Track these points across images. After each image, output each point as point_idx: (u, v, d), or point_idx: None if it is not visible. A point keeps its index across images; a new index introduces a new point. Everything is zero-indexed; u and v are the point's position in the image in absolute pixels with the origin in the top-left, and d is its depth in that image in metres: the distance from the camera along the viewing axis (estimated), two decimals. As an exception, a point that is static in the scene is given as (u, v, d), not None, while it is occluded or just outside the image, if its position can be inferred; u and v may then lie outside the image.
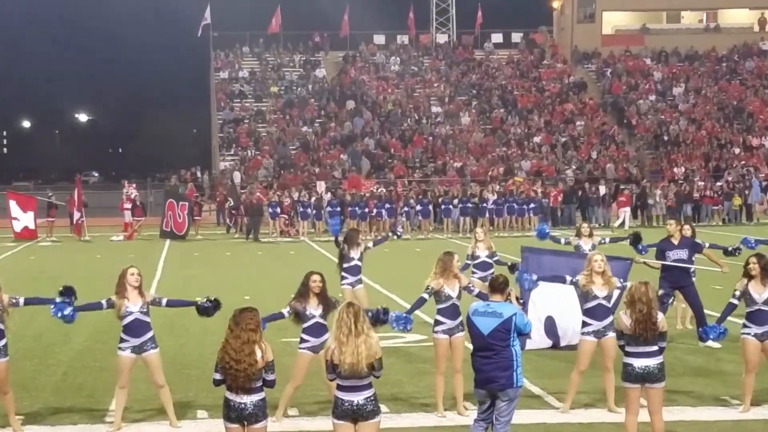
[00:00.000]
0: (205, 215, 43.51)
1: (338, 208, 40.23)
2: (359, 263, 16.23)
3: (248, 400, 8.32)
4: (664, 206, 43.43)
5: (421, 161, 52.39)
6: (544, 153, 53.39)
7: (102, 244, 36.60)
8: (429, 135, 54.58)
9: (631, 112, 57.69)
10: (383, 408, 11.41)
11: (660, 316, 9.71)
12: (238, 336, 8.30)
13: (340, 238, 16.61)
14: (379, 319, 10.15)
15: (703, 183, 46.44)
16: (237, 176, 48.83)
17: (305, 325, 11.17)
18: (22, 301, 11.17)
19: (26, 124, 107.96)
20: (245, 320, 8.35)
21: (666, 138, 55.19)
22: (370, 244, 16.91)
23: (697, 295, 15.58)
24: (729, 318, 11.93)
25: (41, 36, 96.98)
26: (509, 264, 16.39)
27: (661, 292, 11.55)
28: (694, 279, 15.91)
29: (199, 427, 11.14)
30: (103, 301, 11.04)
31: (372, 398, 8.30)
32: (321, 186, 45.38)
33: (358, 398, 8.25)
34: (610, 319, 11.34)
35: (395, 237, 18.24)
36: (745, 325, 11.67)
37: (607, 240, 17.56)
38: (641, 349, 9.64)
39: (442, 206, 40.69)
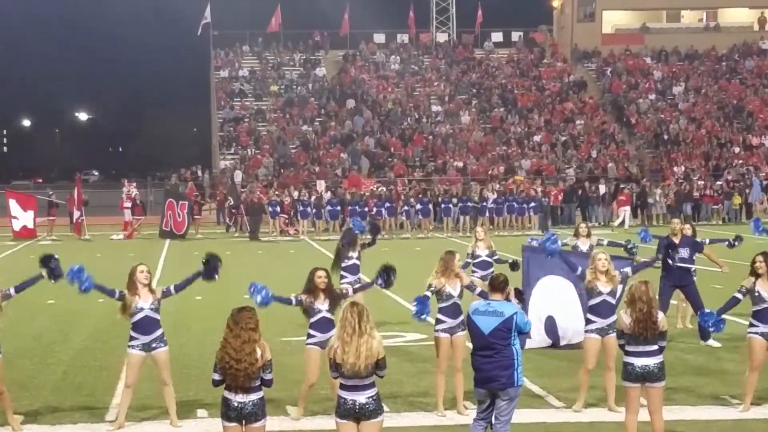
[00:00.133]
0: (205, 214, 43.54)
1: (338, 207, 40.25)
2: (357, 262, 16.24)
3: (247, 399, 8.32)
4: (664, 205, 43.45)
5: (421, 160, 52.38)
6: (544, 152, 53.39)
7: (102, 243, 36.60)
8: (429, 134, 54.58)
9: (631, 111, 57.70)
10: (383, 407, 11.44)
11: (660, 315, 9.71)
12: (237, 335, 8.30)
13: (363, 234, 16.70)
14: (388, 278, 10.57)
15: (703, 182, 46.45)
16: (238, 175, 48.84)
17: (312, 320, 11.19)
18: (13, 290, 11.16)
19: (26, 123, 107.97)
20: (244, 319, 8.35)
21: (666, 137, 55.20)
22: (367, 244, 16.88)
23: (698, 294, 15.60)
24: (732, 318, 11.93)
25: (41, 35, 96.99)
26: (510, 261, 16.41)
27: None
28: (695, 278, 15.92)
29: (199, 426, 11.14)
30: (117, 291, 11.04)
31: (375, 397, 8.30)
32: (321, 185, 45.38)
33: (360, 397, 8.25)
34: (613, 317, 11.35)
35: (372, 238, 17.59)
36: (751, 324, 11.63)
37: (605, 241, 17.54)
38: (641, 348, 9.64)
39: (442, 205, 40.70)
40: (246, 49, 63.17)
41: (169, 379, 11.09)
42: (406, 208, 40.54)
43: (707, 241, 16.90)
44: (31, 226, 38.90)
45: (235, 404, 8.32)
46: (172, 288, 11.20)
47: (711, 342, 15.40)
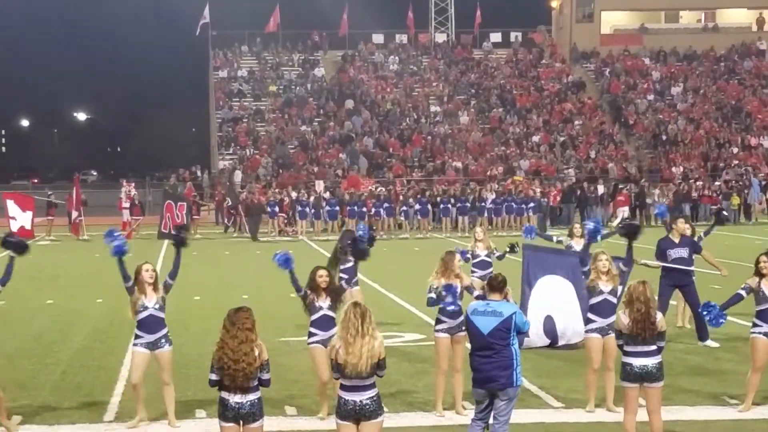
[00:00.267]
0: (203, 214, 43.53)
1: (337, 208, 40.26)
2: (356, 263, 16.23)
3: (245, 399, 8.32)
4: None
5: (420, 160, 52.39)
6: (543, 152, 53.41)
7: (100, 244, 36.21)
8: (428, 134, 54.59)
9: (629, 112, 57.72)
10: (382, 407, 11.45)
11: (659, 315, 9.71)
12: (234, 336, 8.30)
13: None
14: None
15: (701, 182, 46.47)
16: (238, 175, 48.84)
17: (313, 317, 11.18)
18: None
19: (25, 123, 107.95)
20: (241, 320, 8.36)
21: (664, 137, 55.22)
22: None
23: (696, 294, 15.60)
24: (733, 319, 11.92)
25: (40, 35, 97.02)
26: (508, 247, 16.57)
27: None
28: (693, 278, 15.93)
29: (198, 426, 11.14)
30: (131, 281, 11.03)
31: (375, 398, 8.31)
32: (320, 185, 45.38)
33: (361, 398, 8.25)
34: (614, 317, 11.36)
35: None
36: (755, 324, 11.61)
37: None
38: (640, 348, 9.64)
39: (441, 205, 40.70)
40: (245, 49, 63.18)
41: (170, 379, 11.09)
42: (404, 208, 40.54)
43: (702, 235, 16.90)
44: (28, 226, 38.82)
45: (233, 404, 8.32)
46: (168, 279, 11.22)
47: (709, 342, 15.41)
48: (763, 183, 47.31)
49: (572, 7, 66.03)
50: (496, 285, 9.62)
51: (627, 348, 9.72)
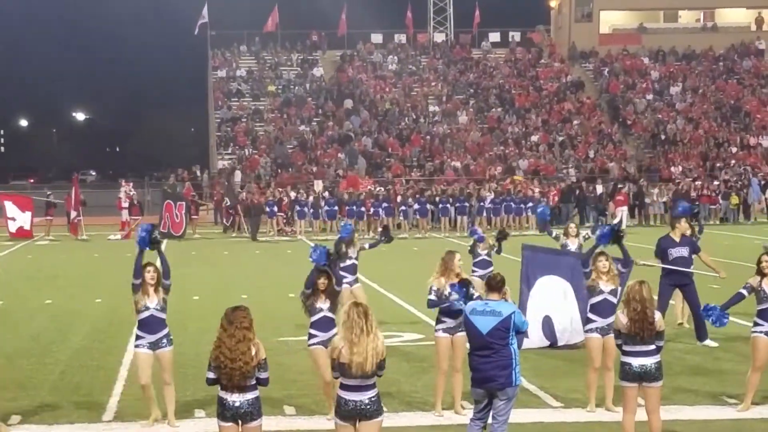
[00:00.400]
0: (202, 214, 43.53)
1: (335, 207, 40.26)
2: (356, 262, 16.27)
3: (243, 398, 8.32)
4: (661, 205, 43.49)
5: (419, 160, 52.40)
6: (542, 152, 53.42)
7: (99, 243, 36.58)
8: (426, 134, 54.59)
9: (628, 111, 57.74)
10: (380, 407, 11.44)
11: (657, 315, 9.72)
12: (232, 335, 8.30)
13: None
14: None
15: (700, 182, 46.48)
16: (238, 175, 48.86)
17: (313, 319, 11.18)
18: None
19: (24, 122, 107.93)
20: (238, 319, 8.35)
21: (663, 137, 55.24)
22: (366, 245, 16.91)
23: (696, 294, 15.61)
24: (732, 319, 11.91)
25: (39, 35, 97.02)
26: (497, 236, 16.81)
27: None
28: (693, 278, 15.94)
29: (196, 426, 11.15)
30: (141, 278, 11.01)
31: (376, 398, 8.30)
32: (318, 185, 45.39)
33: (363, 397, 8.24)
34: (614, 317, 11.36)
35: (383, 239, 17.47)
36: (756, 323, 11.60)
37: (590, 233, 17.65)
38: (638, 348, 9.64)
39: (440, 205, 40.71)
40: (243, 49, 63.17)
41: (171, 378, 11.11)
42: (403, 208, 40.54)
43: (698, 234, 16.90)
44: (27, 227, 38.87)
45: (231, 404, 8.32)
46: (163, 280, 11.18)
47: (708, 342, 15.42)
48: (762, 183, 47.32)
49: (571, 7, 66.03)
50: (494, 285, 9.62)
51: (626, 348, 9.73)
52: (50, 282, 24.62)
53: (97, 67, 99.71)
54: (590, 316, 11.63)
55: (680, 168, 51.60)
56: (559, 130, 55.66)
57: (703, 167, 52.13)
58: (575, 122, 56.28)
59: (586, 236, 17.26)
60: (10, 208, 38.90)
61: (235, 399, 8.30)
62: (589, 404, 11.60)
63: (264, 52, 62.76)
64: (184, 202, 38.72)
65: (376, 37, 63.93)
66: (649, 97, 59.24)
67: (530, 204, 40.99)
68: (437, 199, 41.17)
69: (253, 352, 8.29)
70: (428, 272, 11.85)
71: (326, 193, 42.55)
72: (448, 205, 40.56)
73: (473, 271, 16.63)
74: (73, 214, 38.43)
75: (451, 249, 11.99)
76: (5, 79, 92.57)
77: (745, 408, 11.52)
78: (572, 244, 16.83)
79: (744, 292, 11.65)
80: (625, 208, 42.34)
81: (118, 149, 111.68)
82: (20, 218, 38.86)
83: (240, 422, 8.35)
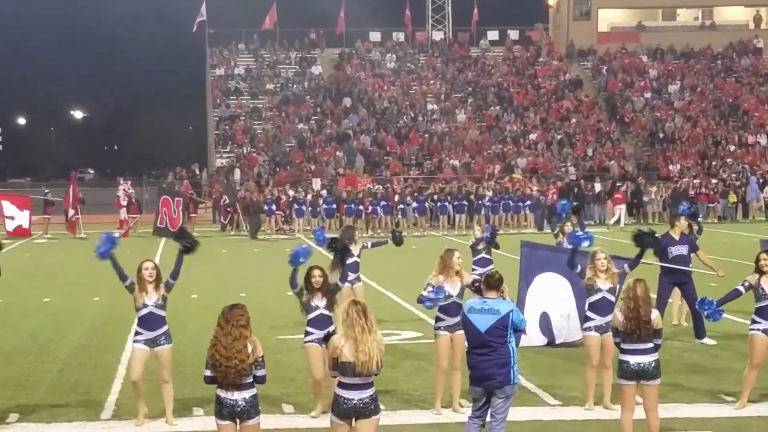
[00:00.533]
0: (200, 212, 43.52)
1: (334, 206, 40.27)
2: (358, 260, 16.27)
3: (239, 396, 8.32)
4: (660, 203, 43.50)
5: (417, 158, 52.39)
6: (540, 150, 53.42)
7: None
8: (425, 132, 54.58)
9: (626, 110, 57.74)
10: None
11: (655, 313, 9.72)
12: (228, 333, 8.30)
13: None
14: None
15: (698, 180, 46.50)
16: (237, 173, 48.84)
17: (310, 317, 11.20)
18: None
19: (22, 121, 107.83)
20: (235, 317, 8.36)
21: (661, 135, 55.25)
22: (369, 244, 16.88)
23: (695, 292, 15.62)
24: (730, 317, 11.91)
25: (37, 33, 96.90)
26: (486, 232, 16.82)
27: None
28: (692, 276, 15.95)
29: (195, 424, 11.15)
30: (129, 278, 11.05)
31: (374, 396, 8.31)
32: (317, 183, 45.40)
33: (361, 396, 8.23)
34: (612, 315, 11.35)
35: (393, 241, 17.38)
36: (754, 321, 11.60)
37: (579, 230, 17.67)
38: (636, 346, 9.65)
39: (438, 203, 40.71)
40: (242, 47, 63.13)
41: (169, 377, 11.11)
42: (401, 206, 40.54)
43: (696, 233, 16.92)
44: (26, 225, 38.88)
45: (228, 402, 8.32)
46: (170, 279, 11.20)
47: (706, 340, 15.44)
48: (761, 181, 47.34)
49: (569, 5, 66.03)
50: (492, 283, 9.62)
51: (624, 346, 9.74)
52: (48, 280, 24.62)
53: (95, 65, 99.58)
54: (588, 314, 11.63)
55: (678, 166, 51.60)
56: (557, 128, 55.65)
57: (702, 165, 52.14)
58: (573, 120, 56.29)
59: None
60: (8, 207, 38.89)
61: (232, 397, 8.31)
62: (587, 402, 11.61)
63: (262, 50, 62.74)
64: (181, 199, 38.66)
65: (375, 36, 63.91)
66: (648, 95, 59.25)
67: (528, 202, 41.02)
68: (436, 197, 41.18)
69: (250, 350, 8.29)
70: (427, 270, 11.86)
71: (324, 192, 42.56)
72: (447, 204, 40.57)
73: (473, 269, 16.64)
74: (71, 212, 38.43)
75: (450, 247, 12.00)
76: (2, 77, 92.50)
77: (742, 406, 11.53)
78: (568, 243, 16.85)
79: (741, 288, 11.64)
80: (623, 207, 42.37)
81: (116, 147, 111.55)
82: (19, 217, 38.85)
83: (238, 421, 8.35)
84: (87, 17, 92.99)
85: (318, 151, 52.19)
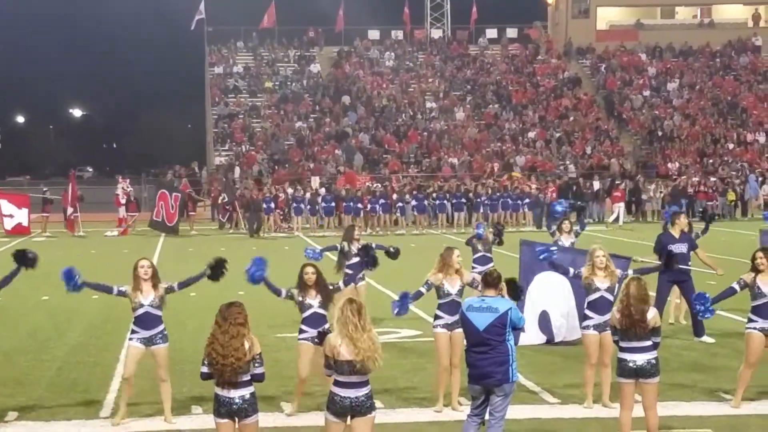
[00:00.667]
0: (199, 210, 43.50)
1: (333, 204, 40.27)
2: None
3: (236, 394, 8.31)
4: (659, 201, 43.50)
5: (416, 157, 52.38)
6: (539, 148, 53.42)
7: (96, 240, 36.56)
8: (423, 130, 54.57)
9: (625, 108, 57.73)
10: (378, 403, 11.43)
11: (652, 311, 9.71)
12: (226, 331, 8.31)
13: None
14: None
15: (697, 178, 46.51)
16: (237, 171, 48.82)
17: (304, 315, 11.22)
18: None
19: (20, 119, 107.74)
20: (233, 315, 8.37)
21: (660, 133, 55.26)
22: (373, 245, 16.81)
23: (694, 290, 15.61)
24: (726, 314, 11.91)
25: (35, 32, 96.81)
26: (494, 229, 16.81)
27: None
28: (691, 274, 15.96)
29: (193, 422, 11.15)
30: (115, 288, 11.08)
31: (370, 394, 8.32)
32: (315, 181, 45.38)
33: (357, 394, 8.24)
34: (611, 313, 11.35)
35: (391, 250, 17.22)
36: (750, 319, 11.60)
37: (579, 229, 17.70)
38: (635, 344, 9.65)
39: (436, 201, 40.71)
40: (240, 45, 63.10)
41: (166, 375, 11.11)
42: (400, 204, 40.53)
43: (699, 233, 16.94)
44: (25, 223, 38.88)
45: (225, 400, 8.33)
46: (175, 285, 11.19)
47: (705, 338, 15.44)
48: (759, 179, 47.35)
49: (568, 3, 66.03)
50: (491, 281, 9.61)
51: (622, 344, 9.75)
52: (47, 279, 24.50)
53: (93, 63, 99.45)
54: (587, 312, 11.62)
55: (677, 164, 51.62)
56: (556, 126, 55.65)
57: (700, 163, 52.15)
58: (571, 118, 56.29)
59: (576, 232, 17.30)
60: (6, 206, 38.88)
61: (229, 395, 8.31)
62: (586, 400, 11.61)
63: (261, 48, 62.72)
64: (180, 195, 38.61)
65: (373, 34, 63.90)
66: (646, 93, 59.26)
67: (527, 200, 41.01)
68: (435, 195, 41.18)
69: (247, 347, 8.29)
70: (425, 269, 11.87)
71: (323, 190, 42.56)
72: (445, 202, 40.56)
73: (473, 268, 16.65)
74: (70, 210, 38.43)
75: (450, 245, 12.00)
76: (1, 76, 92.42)
77: (736, 404, 11.53)
78: (566, 241, 16.86)
79: (736, 286, 11.63)
80: (621, 205, 42.37)
81: (114, 146, 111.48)
82: (17, 215, 38.85)
83: (236, 419, 8.35)
84: (85, 16, 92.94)
85: (317, 150, 52.18)
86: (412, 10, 64.30)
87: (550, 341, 15.13)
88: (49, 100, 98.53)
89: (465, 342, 9.73)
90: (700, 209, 17.13)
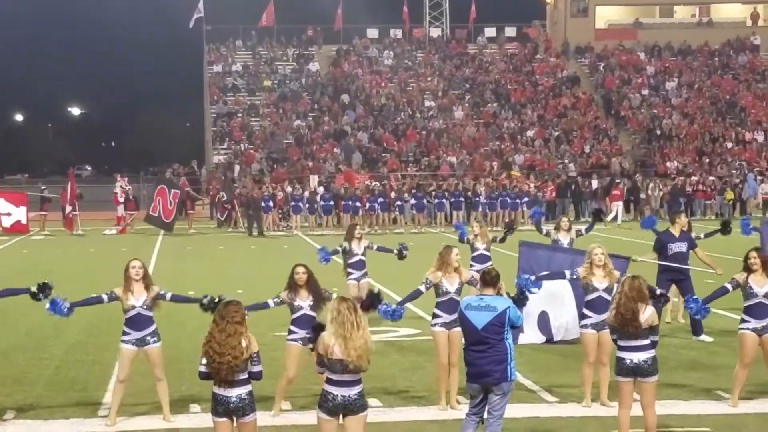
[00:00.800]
0: (198, 209, 43.49)
1: (331, 202, 40.28)
2: (363, 258, 16.27)
3: (233, 393, 8.32)
4: (658, 200, 43.52)
5: (415, 155, 52.38)
6: (538, 147, 53.42)
7: (95, 238, 36.56)
8: (422, 129, 54.57)
9: (623, 107, 57.73)
10: (376, 402, 11.46)
11: (649, 310, 9.71)
12: (223, 329, 8.32)
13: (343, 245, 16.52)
14: (374, 304, 10.12)
15: (695, 177, 46.52)
16: (236, 170, 48.82)
17: (294, 316, 11.21)
18: None
19: (19, 117, 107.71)
20: (230, 313, 8.38)
21: (659, 132, 55.27)
22: (374, 247, 16.75)
23: (692, 289, 15.63)
24: (725, 313, 11.91)
25: (34, 30, 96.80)
26: (505, 227, 16.78)
27: (659, 291, 11.52)
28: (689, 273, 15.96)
29: (192, 421, 11.15)
30: (104, 295, 11.04)
31: (361, 393, 8.33)
32: (314, 180, 45.38)
33: (350, 392, 8.24)
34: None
35: (397, 252, 16.69)
36: (743, 320, 11.58)
37: (584, 231, 17.71)
38: (632, 342, 9.65)
39: (435, 200, 40.71)
40: (239, 44, 63.08)
41: (162, 374, 11.09)
42: (399, 203, 40.53)
43: (702, 235, 16.96)
44: (24, 221, 38.87)
45: (222, 399, 8.34)
46: (168, 295, 11.09)
47: (703, 337, 15.45)
48: (758, 178, 47.36)
49: (566, 2, 66.01)
50: (489, 280, 9.61)
51: (620, 342, 9.75)
52: (45, 277, 24.37)
53: (92, 61, 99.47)
54: (585, 311, 11.63)
55: (675, 163, 51.63)
56: (554, 125, 55.66)
57: (699, 162, 52.16)
58: (570, 117, 56.29)
59: (579, 232, 17.30)
60: (4, 204, 38.86)
61: (226, 393, 8.31)
62: (584, 399, 11.61)
63: (260, 47, 62.70)
64: (178, 192, 38.53)
65: (372, 32, 63.87)
66: (645, 92, 59.24)
67: (526, 199, 41.01)
68: (433, 194, 41.19)
69: (244, 345, 8.29)
70: (424, 267, 11.86)
71: (322, 189, 42.56)
72: (444, 200, 40.56)
73: (471, 266, 16.65)
74: (69, 208, 38.41)
75: (449, 244, 12.00)
76: (0, 74, 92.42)
77: (733, 404, 11.53)
78: (564, 239, 16.85)
79: (728, 286, 11.61)
80: (620, 203, 42.40)
81: (113, 144, 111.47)
82: (16, 213, 38.83)
83: (234, 417, 8.35)
84: (84, 13, 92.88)
85: (315, 148, 52.17)
86: (410, 9, 64.32)
87: (549, 341, 15.14)
88: (47, 99, 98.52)
89: (463, 340, 9.73)
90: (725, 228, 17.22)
